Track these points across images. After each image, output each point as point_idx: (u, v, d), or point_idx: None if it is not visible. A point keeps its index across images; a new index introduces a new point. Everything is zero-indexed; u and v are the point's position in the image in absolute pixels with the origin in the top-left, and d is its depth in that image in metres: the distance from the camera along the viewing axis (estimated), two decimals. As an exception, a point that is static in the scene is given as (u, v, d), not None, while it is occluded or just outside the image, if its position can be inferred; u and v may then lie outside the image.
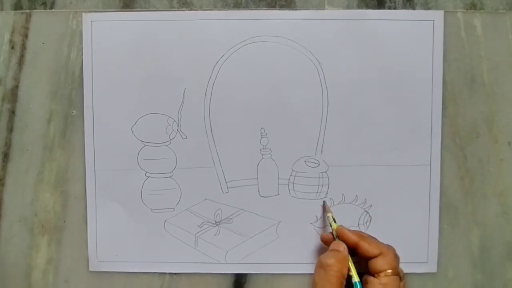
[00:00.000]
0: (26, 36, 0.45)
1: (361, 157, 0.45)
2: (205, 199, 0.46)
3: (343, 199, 0.45)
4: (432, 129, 0.45)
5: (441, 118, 0.45)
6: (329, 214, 0.44)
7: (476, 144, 0.45)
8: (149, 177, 0.46)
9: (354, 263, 0.40)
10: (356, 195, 0.45)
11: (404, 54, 0.45)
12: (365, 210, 0.45)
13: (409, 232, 0.45)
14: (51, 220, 0.46)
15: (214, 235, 0.46)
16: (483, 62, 0.45)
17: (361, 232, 0.42)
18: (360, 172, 0.45)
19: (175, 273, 0.46)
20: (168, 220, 0.46)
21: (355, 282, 0.38)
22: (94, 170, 0.46)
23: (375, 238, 0.41)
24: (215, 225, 0.46)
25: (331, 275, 0.38)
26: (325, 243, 0.43)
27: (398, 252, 0.40)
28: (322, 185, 0.45)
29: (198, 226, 0.46)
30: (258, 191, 0.46)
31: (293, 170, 0.46)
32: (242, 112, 0.45)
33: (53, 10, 0.46)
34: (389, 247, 0.40)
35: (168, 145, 0.46)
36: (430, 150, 0.45)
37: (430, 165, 0.45)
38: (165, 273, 0.46)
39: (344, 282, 0.38)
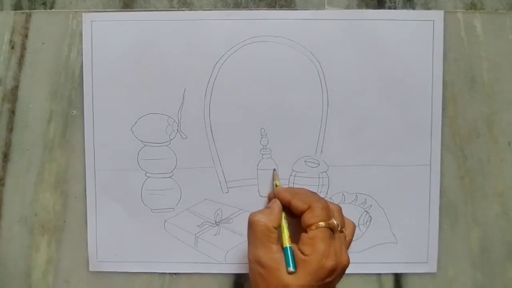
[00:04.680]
0: (26, 36, 0.45)
1: (361, 157, 0.45)
2: (205, 199, 0.46)
3: (343, 199, 0.45)
4: (432, 129, 0.45)
5: (441, 118, 0.45)
6: (276, 182, 0.43)
7: (476, 144, 0.45)
8: (149, 177, 0.46)
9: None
10: (356, 195, 0.45)
11: (404, 54, 0.45)
12: (365, 210, 0.45)
13: (409, 232, 0.45)
14: (51, 220, 0.46)
15: (214, 235, 0.46)
16: (483, 62, 0.45)
17: (300, 189, 0.40)
18: (360, 172, 0.45)
19: (175, 273, 0.46)
20: (168, 220, 0.46)
21: (285, 247, 0.36)
22: (94, 170, 0.46)
23: (313, 194, 0.39)
24: (215, 225, 0.46)
25: (257, 230, 0.37)
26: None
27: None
28: (322, 185, 0.45)
29: (198, 226, 0.46)
30: (258, 191, 0.46)
31: (293, 170, 0.45)
32: (242, 112, 0.45)
33: (53, 10, 0.46)
34: (319, 199, 0.37)
35: (168, 145, 0.46)
36: (430, 150, 0.45)
37: (430, 165, 0.45)
38: (165, 273, 0.46)
39: (274, 237, 0.36)
